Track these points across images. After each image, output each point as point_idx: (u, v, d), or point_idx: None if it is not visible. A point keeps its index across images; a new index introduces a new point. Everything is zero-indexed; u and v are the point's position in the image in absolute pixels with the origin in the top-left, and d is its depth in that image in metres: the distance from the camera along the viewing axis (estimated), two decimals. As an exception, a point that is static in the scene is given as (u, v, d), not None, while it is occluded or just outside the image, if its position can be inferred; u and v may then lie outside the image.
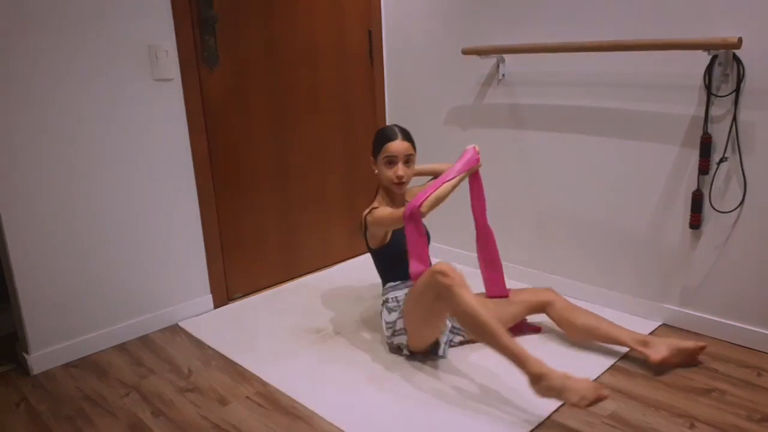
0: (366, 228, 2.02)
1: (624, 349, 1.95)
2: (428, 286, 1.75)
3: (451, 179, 1.85)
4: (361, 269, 2.80)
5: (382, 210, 1.94)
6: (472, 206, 2.00)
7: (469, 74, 2.57)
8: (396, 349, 2.02)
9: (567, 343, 2.02)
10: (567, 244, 2.41)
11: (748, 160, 1.88)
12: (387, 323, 1.99)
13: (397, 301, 1.98)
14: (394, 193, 2.06)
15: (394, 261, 2.03)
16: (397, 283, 2.04)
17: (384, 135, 2.00)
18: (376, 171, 2.04)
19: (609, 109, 2.17)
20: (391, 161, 1.98)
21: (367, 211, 2.00)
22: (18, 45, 1.84)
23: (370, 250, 2.08)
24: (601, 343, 1.97)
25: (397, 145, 1.97)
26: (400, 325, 1.94)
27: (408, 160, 1.99)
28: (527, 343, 1.76)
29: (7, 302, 2.19)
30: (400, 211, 1.84)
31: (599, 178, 2.25)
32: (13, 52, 1.84)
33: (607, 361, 1.91)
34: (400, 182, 1.99)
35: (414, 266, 1.84)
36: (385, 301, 2.02)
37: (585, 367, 1.87)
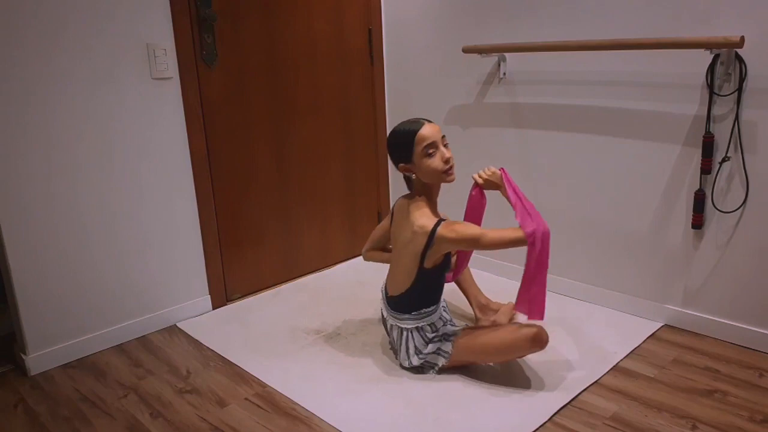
0: (431, 244, 1.73)
1: (625, 351, 1.96)
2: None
3: (524, 200, 1.73)
4: (361, 270, 2.78)
5: (471, 226, 1.71)
6: (470, 216, 1.91)
7: (470, 73, 2.56)
8: (417, 370, 1.90)
9: (570, 346, 2.02)
10: (568, 243, 2.40)
11: (750, 159, 1.87)
12: (422, 354, 1.85)
13: (436, 329, 1.84)
14: (432, 192, 1.84)
15: (437, 283, 1.85)
16: (432, 308, 1.84)
17: (407, 131, 1.76)
18: (414, 176, 1.82)
19: (611, 108, 2.16)
20: (431, 149, 1.74)
21: (430, 222, 1.73)
22: (13, 44, 1.83)
23: (420, 270, 1.78)
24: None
25: (430, 129, 1.74)
26: (436, 360, 1.85)
27: (446, 142, 1.78)
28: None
29: (4, 303, 2.18)
30: (515, 233, 1.64)
31: (600, 177, 2.24)
32: (9, 51, 1.82)
33: (609, 363, 1.90)
34: (451, 166, 1.76)
35: (537, 302, 1.69)
36: (419, 329, 1.83)
37: (587, 368, 1.87)
